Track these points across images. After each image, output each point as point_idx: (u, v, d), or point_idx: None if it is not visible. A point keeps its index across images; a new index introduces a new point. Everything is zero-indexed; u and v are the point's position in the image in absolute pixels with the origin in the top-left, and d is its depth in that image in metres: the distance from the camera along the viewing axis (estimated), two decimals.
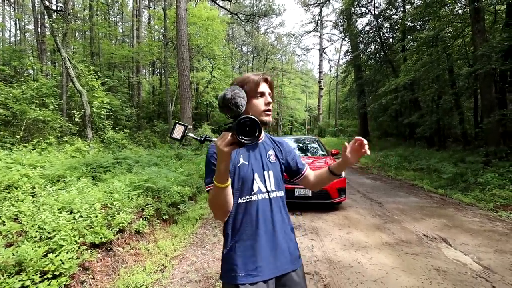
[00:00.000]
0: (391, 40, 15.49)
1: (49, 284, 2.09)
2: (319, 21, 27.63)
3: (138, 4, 19.93)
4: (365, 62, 17.09)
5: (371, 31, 15.71)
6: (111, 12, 22.72)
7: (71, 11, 15.01)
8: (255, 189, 1.15)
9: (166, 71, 15.48)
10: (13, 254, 2.16)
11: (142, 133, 13.33)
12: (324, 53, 31.64)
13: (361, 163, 12.28)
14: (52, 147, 7.16)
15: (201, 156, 8.57)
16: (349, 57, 18.14)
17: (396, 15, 14.19)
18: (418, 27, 12.62)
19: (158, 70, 25.13)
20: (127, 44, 21.47)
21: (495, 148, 7.03)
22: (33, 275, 2.08)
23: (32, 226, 2.54)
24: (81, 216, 2.85)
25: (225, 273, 1.13)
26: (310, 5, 23.59)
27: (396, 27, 14.17)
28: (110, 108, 11.04)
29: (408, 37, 12.54)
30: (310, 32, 28.63)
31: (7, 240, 2.42)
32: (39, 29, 14.97)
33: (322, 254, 3.29)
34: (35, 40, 17.62)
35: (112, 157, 6.01)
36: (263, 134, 1.26)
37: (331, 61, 34.25)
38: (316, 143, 6.89)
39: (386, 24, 14.99)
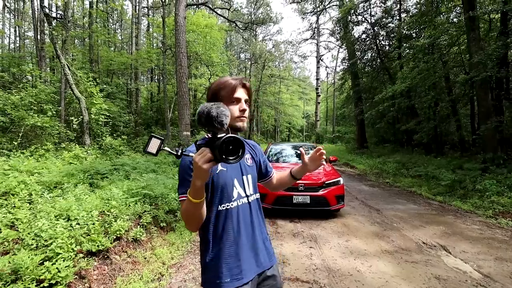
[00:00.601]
0: (387, 47, 15.66)
1: None
2: (316, 29, 27.93)
3: (137, 12, 20.11)
4: (362, 70, 17.25)
5: (367, 39, 15.90)
6: (110, 19, 22.92)
7: (71, 18, 15.13)
8: (235, 195, 1.15)
9: (165, 78, 15.56)
10: (9, 262, 2.13)
11: (140, 139, 13.31)
12: (321, 60, 31.91)
13: (359, 169, 12.30)
14: (49, 153, 7.12)
15: None
16: (346, 64, 18.27)
17: (392, 23, 14.39)
18: (414, 35, 12.79)
19: (156, 77, 25.25)
20: (126, 51, 21.61)
21: (493, 154, 7.05)
22: (29, 284, 2.04)
23: (28, 233, 2.51)
24: (78, 224, 2.82)
25: (209, 281, 1.12)
26: (307, 13, 23.87)
27: (392, 35, 14.35)
28: (108, 114, 11.04)
29: (404, 44, 12.68)
30: (307, 39, 28.90)
31: (3, 248, 2.39)
32: (38, 36, 15.02)
33: (321, 262, 3.26)
34: (35, 46, 17.68)
35: (110, 164, 5.98)
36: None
37: (328, 68, 34.42)
38: (314, 150, 6.89)
39: (382, 32, 15.17)
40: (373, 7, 15.39)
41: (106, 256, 2.83)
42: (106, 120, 10.87)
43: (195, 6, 19.73)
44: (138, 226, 3.49)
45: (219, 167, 1.14)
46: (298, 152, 6.81)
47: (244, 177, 1.20)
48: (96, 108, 10.03)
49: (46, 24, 12.02)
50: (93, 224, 2.89)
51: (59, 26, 10.63)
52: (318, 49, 31.52)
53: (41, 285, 2.11)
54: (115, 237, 3.02)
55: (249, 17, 27.93)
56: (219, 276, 1.09)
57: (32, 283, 2.06)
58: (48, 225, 2.62)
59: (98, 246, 2.71)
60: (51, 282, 2.15)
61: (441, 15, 10.61)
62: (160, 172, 6.39)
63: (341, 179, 5.21)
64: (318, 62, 31.61)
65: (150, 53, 18.18)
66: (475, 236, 4.09)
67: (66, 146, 8.06)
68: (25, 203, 3.31)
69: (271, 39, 32.74)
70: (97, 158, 7.76)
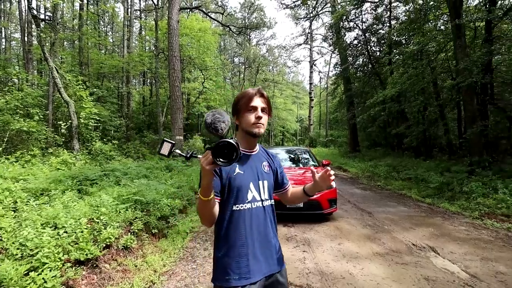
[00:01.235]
0: (378, 53, 15.93)
1: None
2: (309, 34, 28.24)
3: (129, 14, 19.94)
4: (354, 75, 17.47)
5: (359, 45, 16.14)
6: (101, 22, 22.67)
7: (60, 20, 14.92)
8: (250, 197, 1.23)
9: (157, 82, 15.46)
10: None
11: (131, 144, 13.13)
12: (315, 65, 32.28)
13: (352, 173, 12.41)
14: (36, 159, 6.96)
15: (192, 168, 8.49)
16: (339, 69, 18.48)
17: (383, 30, 14.66)
18: (404, 41, 13.06)
19: (148, 81, 25.06)
20: (118, 54, 21.36)
21: (479, 158, 7.21)
22: None
23: (13, 243, 2.43)
24: (66, 232, 2.76)
25: (218, 276, 1.19)
26: (300, 18, 24.11)
27: (383, 41, 14.61)
28: (98, 118, 10.87)
29: (394, 51, 12.94)
30: (300, 44, 29.18)
31: None
32: (25, 38, 14.74)
33: (314, 266, 3.27)
34: (22, 49, 17.36)
35: (100, 169, 5.89)
36: (257, 147, 1.37)
37: (321, 73, 34.85)
38: (307, 154, 6.95)
39: (373, 38, 15.43)
40: (364, 14, 15.69)
41: (95, 265, 2.77)
42: (96, 124, 10.69)
43: (188, 10, 19.71)
44: (129, 233, 3.43)
45: (237, 170, 1.23)
46: (292, 156, 6.85)
47: (260, 182, 1.28)
48: (85, 112, 9.85)
49: (34, 26, 11.81)
50: (82, 232, 2.82)
51: (48, 28, 10.45)
52: (311, 54, 31.89)
53: None
54: (104, 245, 2.96)
55: (243, 21, 28.06)
56: (228, 273, 1.16)
57: None
58: (34, 233, 2.55)
59: (86, 254, 2.65)
60: None
61: (429, 23, 10.86)
62: (152, 177, 6.32)
63: (333, 182, 5.23)
64: (311, 67, 31.95)
65: (143, 56, 18.03)
66: (462, 237, 4.17)
67: (54, 152, 7.89)
68: (10, 211, 3.21)
69: (265, 43, 32.99)
70: (86, 164, 7.63)
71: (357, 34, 16.26)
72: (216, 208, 1.13)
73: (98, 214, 3.26)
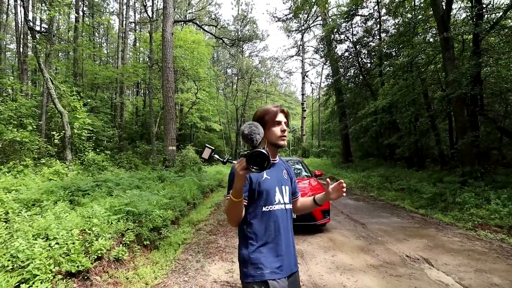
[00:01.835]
0: (369, 65, 16.28)
1: None
2: (301, 46, 28.83)
3: (124, 26, 20.15)
4: (345, 86, 17.78)
5: (350, 57, 16.50)
6: (96, 33, 22.79)
7: (56, 32, 14.97)
8: (277, 200, 1.37)
9: (151, 92, 15.50)
10: None
11: (124, 154, 13.01)
12: (307, 76, 32.70)
13: (345, 183, 12.43)
14: (28, 169, 6.87)
15: (184, 178, 8.43)
16: (330, 80, 18.79)
17: (373, 42, 15.04)
18: (394, 53, 13.42)
19: (142, 91, 25.07)
20: (112, 65, 21.42)
21: (470, 168, 7.25)
22: None
23: (4, 254, 2.38)
24: (57, 243, 2.71)
25: (250, 272, 1.27)
26: (292, 31, 24.68)
27: (373, 53, 14.96)
28: (91, 129, 10.80)
29: (385, 62, 13.21)
30: (292, 56, 29.72)
31: None
32: (21, 49, 14.71)
33: (307, 278, 3.25)
34: (17, 59, 17.28)
35: (92, 180, 5.83)
36: (277, 157, 1.51)
37: (313, 84, 35.28)
38: (300, 164, 6.98)
39: (364, 50, 15.81)
40: (355, 27, 16.12)
41: (86, 277, 2.72)
42: (89, 134, 10.61)
43: (182, 23, 19.99)
44: (121, 245, 3.38)
45: (264, 175, 1.36)
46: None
47: (283, 187, 1.43)
48: (79, 123, 9.80)
49: (29, 37, 11.81)
50: (73, 243, 2.78)
51: (43, 40, 10.48)
52: (303, 66, 32.35)
53: None
54: (96, 256, 2.91)
55: (236, 33, 28.47)
56: (260, 268, 1.26)
57: None
58: (26, 245, 2.50)
59: (78, 266, 2.61)
60: None
61: (418, 36, 11.17)
62: (145, 188, 6.26)
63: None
64: (303, 78, 32.38)
65: (137, 67, 18.12)
66: (456, 248, 4.19)
67: (46, 162, 7.78)
68: (1, 222, 3.15)
69: (257, 55, 33.34)
70: (78, 174, 7.53)
71: (348, 46, 16.69)
72: (243, 208, 1.26)
73: (90, 225, 3.22)
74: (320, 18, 20.63)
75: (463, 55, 9.36)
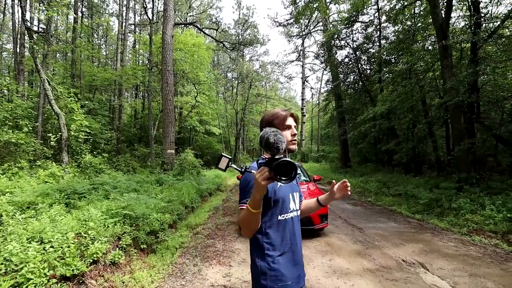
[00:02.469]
0: (368, 71, 16.38)
1: None
2: (301, 51, 28.98)
3: (123, 28, 20.15)
4: (345, 91, 17.86)
5: (350, 63, 16.60)
6: (95, 35, 22.79)
7: (54, 33, 14.97)
8: (291, 207, 1.35)
9: (150, 95, 15.49)
10: None
11: (121, 157, 12.95)
12: (307, 81, 32.87)
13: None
14: (23, 171, 6.82)
15: (183, 182, 8.41)
16: (330, 86, 18.87)
17: (373, 49, 15.14)
18: (393, 60, 13.52)
19: (141, 94, 25.02)
20: (111, 67, 21.40)
21: (466, 174, 7.33)
22: None
23: None
24: (52, 247, 2.69)
25: (271, 284, 1.22)
26: (293, 36, 24.84)
27: (373, 59, 15.04)
28: (89, 131, 10.75)
29: (384, 69, 13.31)
30: (293, 61, 29.88)
31: None
32: (18, 49, 14.68)
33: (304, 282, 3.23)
34: (13, 60, 17.25)
35: (89, 183, 5.80)
36: None
37: (313, 89, 35.46)
38: (299, 169, 6.98)
39: (364, 57, 15.91)
40: (355, 33, 16.23)
41: (81, 281, 2.69)
42: (86, 137, 10.56)
43: (183, 25, 20.04)
44: (117, 248, 3.35)
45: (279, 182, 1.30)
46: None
47: (295, 193, 1.41)
48: (76, 125, 9.75)
49: (27, 38, 11.80)
50: (68, 247, 2.76)
51: (41, 40, 10.47)
52: (304, 71, 32.53)
53: None
54: (91, 260, 2.89)
55: (237, 37, 28.60)
56: (282, 279, 1.23)
57: None
58: (19, 248, 2.48)
59: (73, 270, 2.58)
60: None
61: (417, 43, 11.29)
62: (142, 191, 6.23)
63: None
64: (303, 83, 32.54)
65: (136, 69, 18.09)
66: (451, 253, 4.20)
67: (42, 164, 7.73)
68: None
69: (258, 59, 33.44)
70: (75, 177, 7.49)
71: (348, 52, 16.79)
72: (260, 218, 1.21)
73: (85, 229, 3.20)
74: (321, 23, 20.79)
75: (461, 63, 9.46)
